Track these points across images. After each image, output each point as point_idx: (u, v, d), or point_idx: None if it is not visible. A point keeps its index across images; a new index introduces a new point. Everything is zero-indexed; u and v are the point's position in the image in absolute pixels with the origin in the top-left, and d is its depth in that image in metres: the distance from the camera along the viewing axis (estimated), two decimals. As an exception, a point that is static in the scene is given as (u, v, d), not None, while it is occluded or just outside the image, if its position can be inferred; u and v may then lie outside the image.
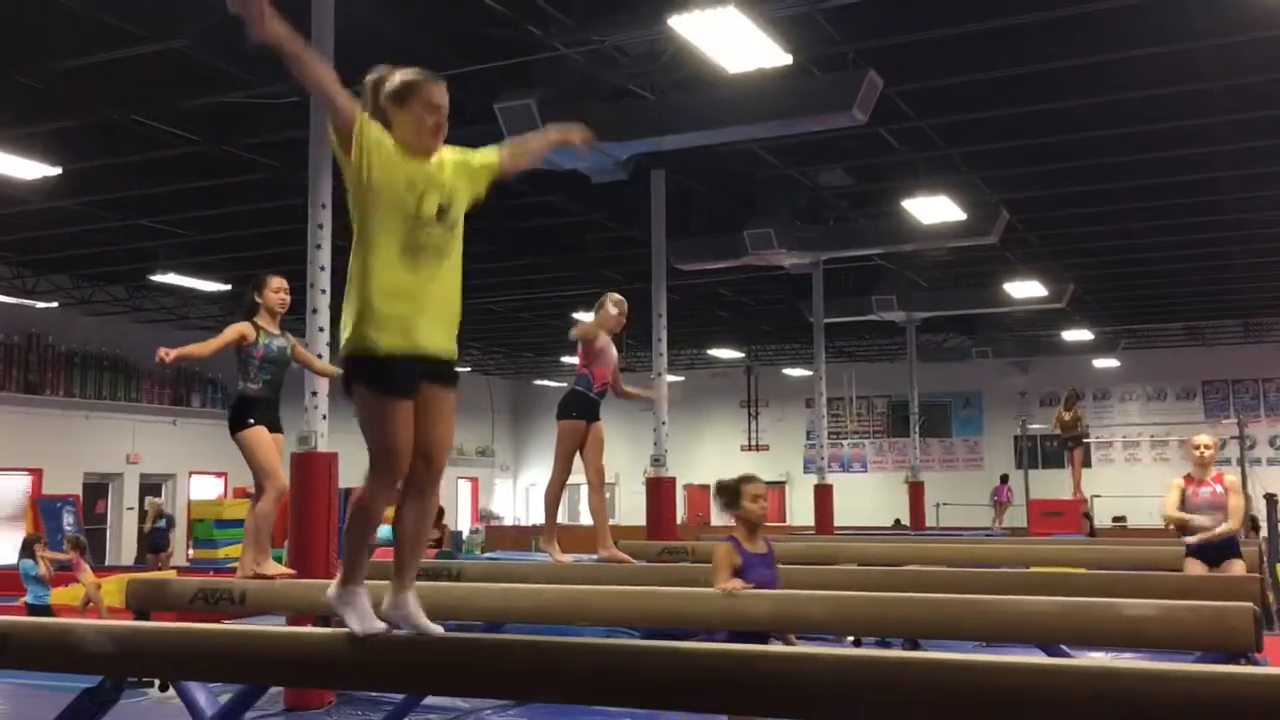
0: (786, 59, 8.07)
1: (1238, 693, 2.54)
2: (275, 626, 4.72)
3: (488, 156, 3.54)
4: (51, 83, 9.68)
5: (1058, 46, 9.14)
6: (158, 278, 16.72)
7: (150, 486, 20.97)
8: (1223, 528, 7.00)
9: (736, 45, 7.87)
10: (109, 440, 20.31)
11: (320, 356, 7.29)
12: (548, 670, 3.13)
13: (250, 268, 16.31)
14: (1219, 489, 7.16)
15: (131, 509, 20.57)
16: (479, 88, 9.33)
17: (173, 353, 5.49)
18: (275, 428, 5.86)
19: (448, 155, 3.46)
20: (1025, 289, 17.02)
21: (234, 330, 5.81)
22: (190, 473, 21.87)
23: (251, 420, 5.71)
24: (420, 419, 3.32)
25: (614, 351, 7.18)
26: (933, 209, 12.42)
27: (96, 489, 20.40)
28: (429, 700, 6.24)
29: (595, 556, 7.03)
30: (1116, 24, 8.71)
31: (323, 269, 7.46)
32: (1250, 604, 3.63)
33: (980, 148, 11.87)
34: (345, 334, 3.31)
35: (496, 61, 8.96)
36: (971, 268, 17.43)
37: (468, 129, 9.90)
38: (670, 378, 14.06)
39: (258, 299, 5.96)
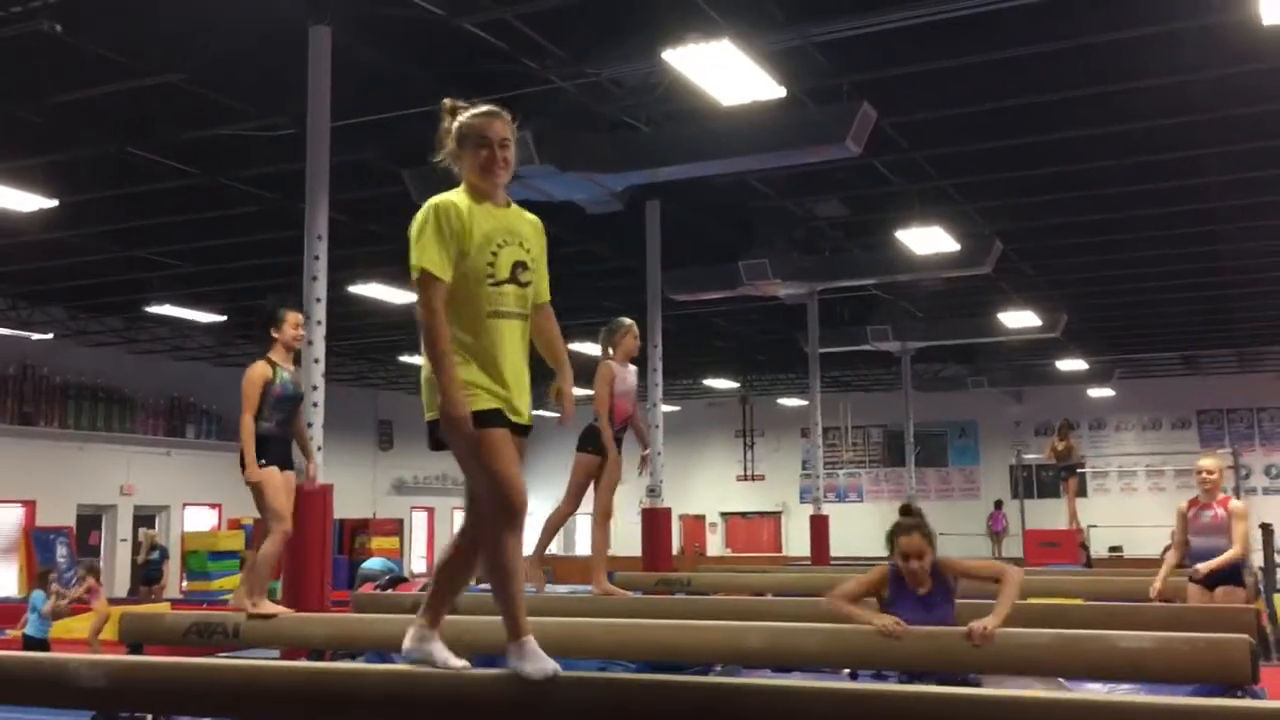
0: (780, 91, 8.12)
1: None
2: (270, 661, 4.70)
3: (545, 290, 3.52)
4: (49, 116, 9.72)
5: (1050, 79, 9.20)
6: (153, 309, 16.73)
7: (144, 518, 20.88)
8: (1221, 558, 6.97)
9: (730, 78, 7.92)
10: (103, 471, 20.23)
11: (315, 388, 7.26)
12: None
13: (247, 299, 16.41)
14: (1220, 512, 7.12)
15: (125, 540, 20.46)
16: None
17: (249, 464, 5.55)
18: (287, 465, 5.81)
19: (532, 222, 3.47)
20: (1019, 319, 17.07)
21: (259, 377, 5.70)
22: (184, 504, 21.78)
23: (264, 461, 5.64)
24: None
25: (634, 380, 7.07)
26: (927, 240, 12.47)
27: (90, 520, 20.29)
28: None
29: (590, 589, 6.98)
30: (1109, 57, 8.78)
31: (319, 301, 7.46)
32: (1246, 636, 3.61)
33: (973, 179, 11.93)
34: (431, 398, 3.27)
35: (491, 95, 9.00)
36: (966, 298, 17.47)
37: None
38: (667, 407, 14.07)
39: (274, 334, 5.86)
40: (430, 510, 28.05)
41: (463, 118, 3.44)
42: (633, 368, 7.08)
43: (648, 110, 9.44)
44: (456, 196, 3.35)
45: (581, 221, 11.59)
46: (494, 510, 3.25)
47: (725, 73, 7.82)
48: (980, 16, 7.83)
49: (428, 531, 27.98)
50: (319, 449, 7.46)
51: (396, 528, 24.34)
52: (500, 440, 3.22)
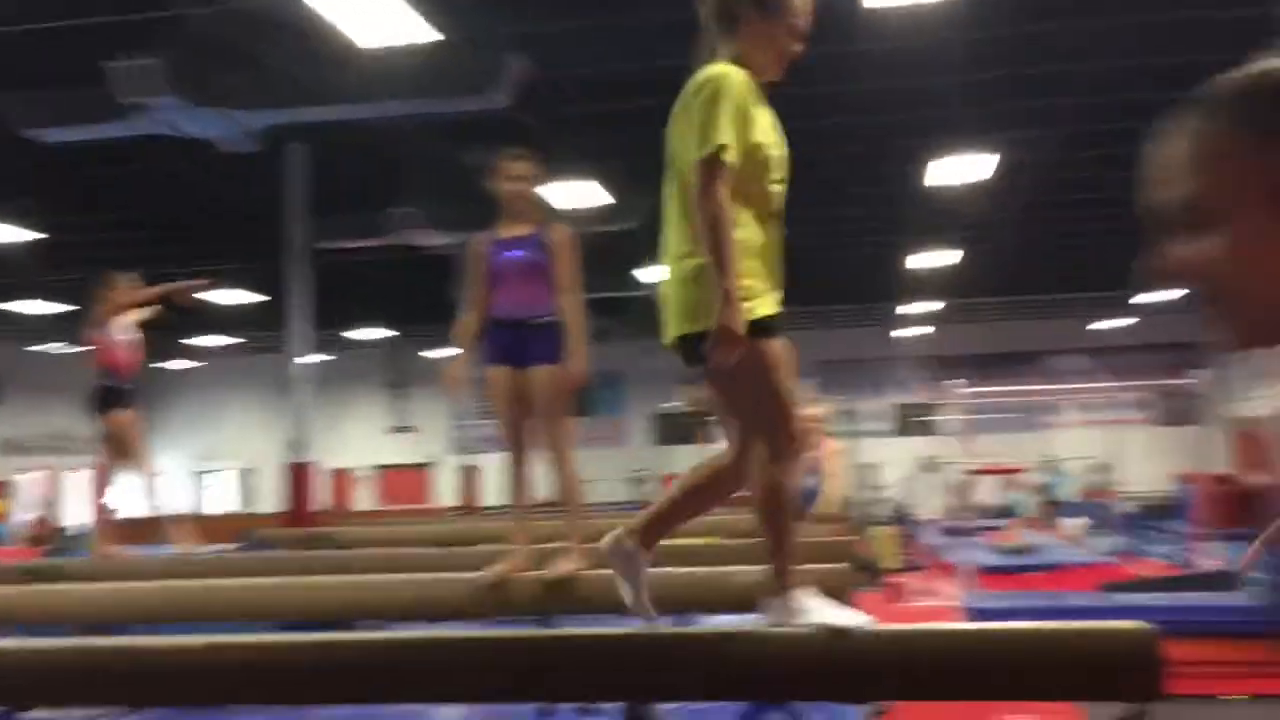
0: (434, 36, 7.99)
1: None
2: None
3: None
4: None
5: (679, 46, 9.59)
6: None
7: None
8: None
9: (375, 19, 7.69)
10: None
11: None
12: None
13: None
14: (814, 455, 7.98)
15: None
16: (92, 46, 8.58)
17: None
18: None
19: None
20: (657, 274, 17.83)
21: None
22: None
23: None
24: None
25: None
26: (578, 194, 12.72)
27: None
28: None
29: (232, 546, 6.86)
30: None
31: None
32: (846, 564, 3.99)
33: (622, 138, 12.26)
34: (694, 306, 2.68)
35: (112, 17, 8.26)
36: (616, 253, 18.00)
37: (72, 90, 9.08)
38: (315, 357, 13.60)
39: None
40: (47, 471, 25.64)
41: None
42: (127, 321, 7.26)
43: (288, 47, 8.98)
44: (738, 72, 2.75)
45: (213, 161, 10.88)
46: (773, 436, 2.71)
47: (368, 13, 7.58)
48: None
49: (43, 495, 25.60)
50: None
51: (2, 491, 22.25)
52: (784, 354, 2.74)
